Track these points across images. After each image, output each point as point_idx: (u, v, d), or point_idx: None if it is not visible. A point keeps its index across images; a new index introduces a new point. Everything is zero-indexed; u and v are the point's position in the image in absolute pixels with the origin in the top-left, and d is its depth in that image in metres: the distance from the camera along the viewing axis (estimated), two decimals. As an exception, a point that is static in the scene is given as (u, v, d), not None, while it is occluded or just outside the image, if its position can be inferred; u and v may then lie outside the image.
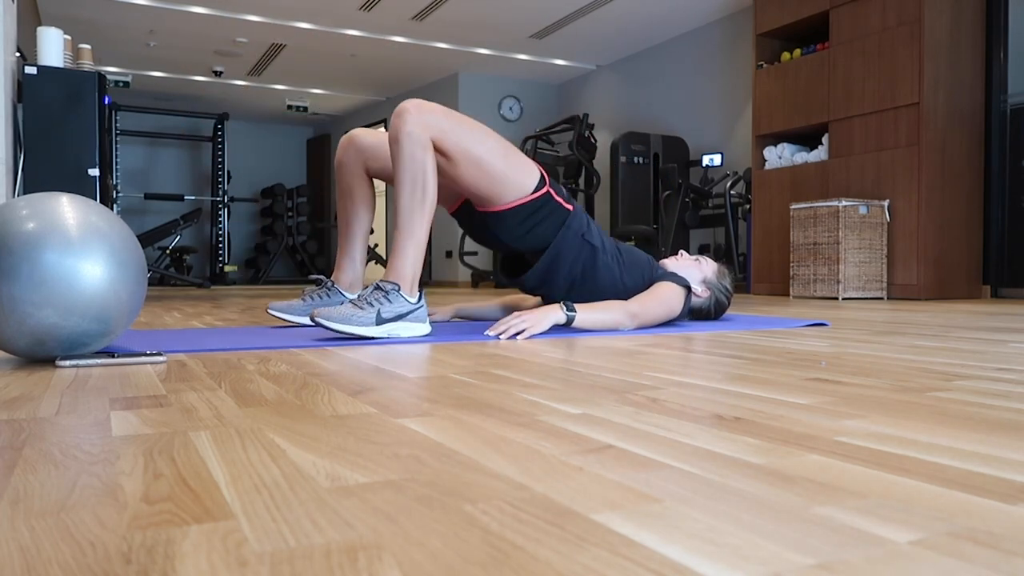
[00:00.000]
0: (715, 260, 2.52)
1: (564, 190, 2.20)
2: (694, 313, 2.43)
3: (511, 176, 2.04)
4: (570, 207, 2.16)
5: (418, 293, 1.91)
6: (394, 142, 1.93)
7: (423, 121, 1.92)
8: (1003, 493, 0.57)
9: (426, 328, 1.92)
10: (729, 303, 2.48)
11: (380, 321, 1.82)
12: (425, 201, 1.91)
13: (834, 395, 1.02)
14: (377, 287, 1.87)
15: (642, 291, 2.22)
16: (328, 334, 1.94)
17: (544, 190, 2.10)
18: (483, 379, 1.18)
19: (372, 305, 1.82)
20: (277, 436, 0.77)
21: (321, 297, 2.31)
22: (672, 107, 7.59)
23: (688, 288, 2.25)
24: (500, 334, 1.91)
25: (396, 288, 1.86)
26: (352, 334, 1.80)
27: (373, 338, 1.82)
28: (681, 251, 2.50)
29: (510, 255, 2.37)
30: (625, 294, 2.21)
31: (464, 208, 2.22)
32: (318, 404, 0.96)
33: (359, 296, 1.87)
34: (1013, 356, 1.50)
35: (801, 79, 5.44)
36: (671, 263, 2.43)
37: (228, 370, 1.31)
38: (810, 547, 0.45)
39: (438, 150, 1.96)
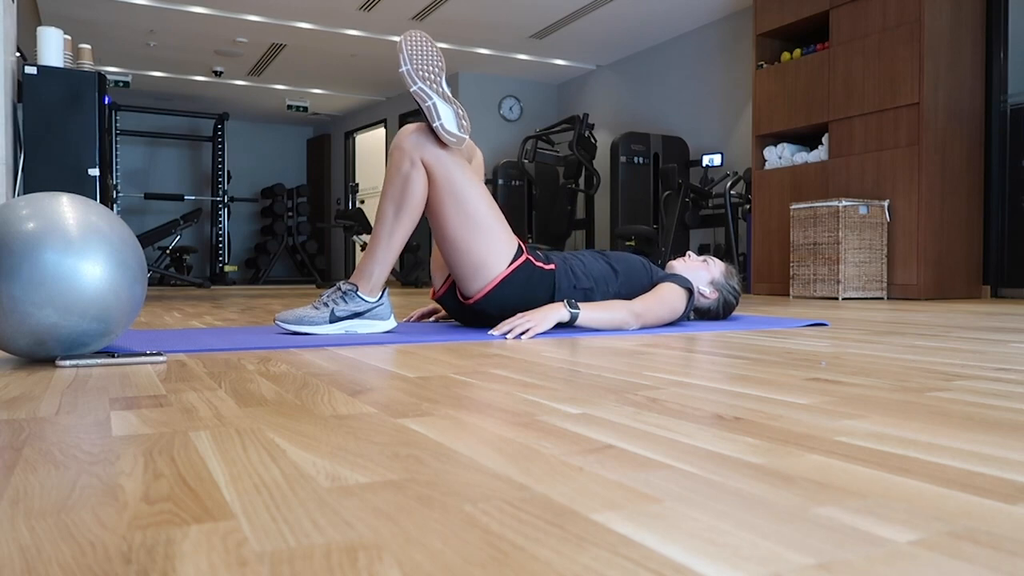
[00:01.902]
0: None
1: (539, 252, 2.19)
2: (702, 314, 2.44)
3: (490, 233, 2.03)
4: (552, 266, 2.15)
5: (379, 293, 2.01)
6: (388, 156, 2.05)
7: (420, 141, 2.00)
8: (1003, 493, 0.57)
9: (388, 325, 2.03)
10: (737, 303, 2.49)
11: (334, 319, 1.94)
12: (402, 213, 2.00)
13: (834, 395, 1.02)
14: (337, 288, 1.99)
15: (647, 292, 2.23)
16: (327, 334, 1.95)
17: (523, 259, 2.10)
18: (483, 379, 1.18)
19: (327, 305, 1.95)
20: (277, 436, 0.77)
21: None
22: (672, 107, 7.59)
23: (690, 290, 2.26)
24: (505, 333, 1.93)
25: (354, 289, 1.98)
26: (307, 333, 1.91)
27: (331, 335, 1.91)
28: (689, 252, 2.51)
29: None
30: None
31: (451, 294, 2.22)
32: (318, 404, 0.96)
33: (319, 298, 2.01)
34: (1013, 356, 1.50)
35: (801, 79, 5.44)
36: (679, 265, 2.44)
37: (228, 370, 1.31)
38: (810, 547, 0.45)
39: (429, 175, 2.00)
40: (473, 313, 2.17)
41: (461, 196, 2.01)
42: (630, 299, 2.22)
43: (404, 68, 1.95)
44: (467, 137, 2.02)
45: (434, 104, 1.96)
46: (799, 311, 3.27)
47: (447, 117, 1.97)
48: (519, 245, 2.12)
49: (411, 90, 1.96)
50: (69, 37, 3.83)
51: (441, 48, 7.97)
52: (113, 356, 1.39)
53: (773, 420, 0.85)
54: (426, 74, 1.97)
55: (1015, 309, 3.42)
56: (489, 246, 2.04)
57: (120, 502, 0.55)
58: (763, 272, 5.73)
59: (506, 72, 8.92)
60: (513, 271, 2.07)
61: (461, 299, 2.16)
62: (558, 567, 0.42)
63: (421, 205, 2.02)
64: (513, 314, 2.09)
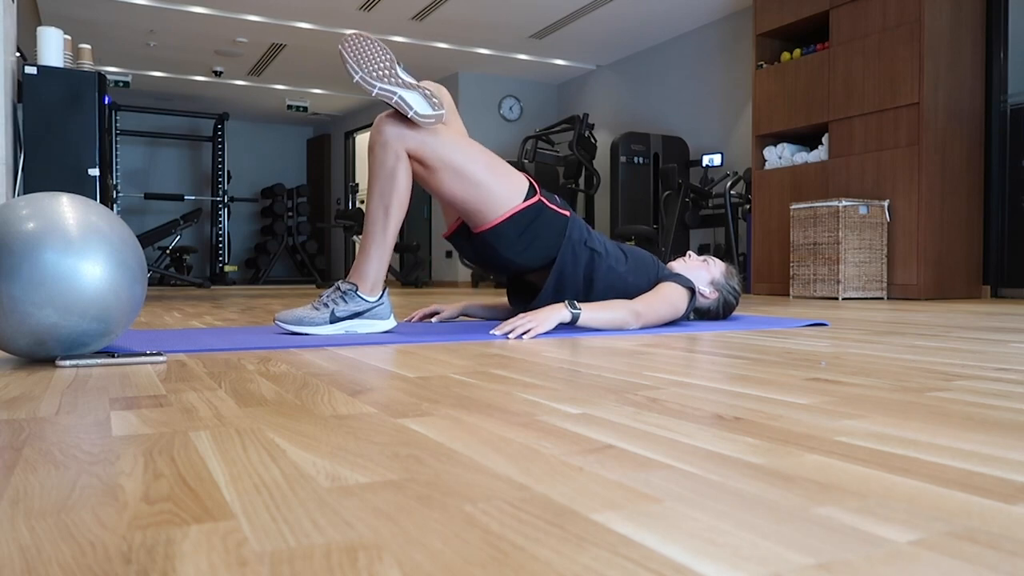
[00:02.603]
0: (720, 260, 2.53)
1: (557, 198, 2.20)
2: (702, 314, 2.44)
3: (496, 185, 2.04)
4: (566, 213, 2.16)
5: (379, 293, 2.01)
6: (369, 151, 2.03)
7: (398, 132, 1.99)
8: (1003, 493, 0.57)
9: (387, 324, 2.03)
10: (737, 303, 2.49)
11: (334, 319, 1.94)
12: (392, 208, 2.00)
13: (834, 395, 1.02)
14: (336, 288, 1.98)
15: (648, 291, 2.22)
16: (325, 334, 1.95)
17: (535, 199, 2.10)
18: (483, 379, 1.18)
19: (327, 306, 1.95)
20: (277, 436, 0.77)
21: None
22: (672, 107, 7.59)
23: (692, 290, 2.26)
24: (507, 333, 1.93)
25: (353, 288, 1.97)
26: (307, 334, 1.90)
27: (331, 335, 1.90)
28: (689, 252, 2.51)
29: (516, 276, 2.36)
30: (632, 294, 2.21)
31: (461, 233, 2.22)
32: (318, 404, 0.96)
33: (319, 298, 2.00)
34: (1013, 356, 1.50)
35: (801, 79, 5.44)
36: (679, 265, 2.44)
37: (228, 370, 1.31)
38: (810, 547, 0.45)
39: (418, 160, 2.01)
40: (480, 246, 2.14)
41: (456, 167, 2.01)
42: (637, 285, 2.22)
43: (357, 77, 1.93)
44: (443, 111, 2.00)
45: (400, 97, 1.94)
46: (799, 311, 3.27)
47: (417, 103, 1.96)
48: (531, 184, 2.12)
49: (373, 94, 1.94)
50: (69, 37, 3.83)
51: (441, 48, 7.99)
52: (113, 356, 1.39)
53: (773, 420, 0.85)
54: (379, 72, 1.95)
55: (1015, 309, 3.42)
56: (496, 194, 2.04)
57: (120, 502, 0.55)
58: (763, 272, 5.73)
59: (506, 72, 8.92)
60: (525, 208, 2.07)
61: (471, 231, 2.15)
62: (558, 567, 0.42)
63: (408, 196, 2.02)
64: (521, 248, 2.10)
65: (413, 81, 1.98)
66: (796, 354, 1.53)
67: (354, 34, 1.97)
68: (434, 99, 1.98)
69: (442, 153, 2.00)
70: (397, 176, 1.98)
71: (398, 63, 2.00)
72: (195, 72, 9.04)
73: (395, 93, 1.94)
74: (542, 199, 2.12)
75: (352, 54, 1.93)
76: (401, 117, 2.00)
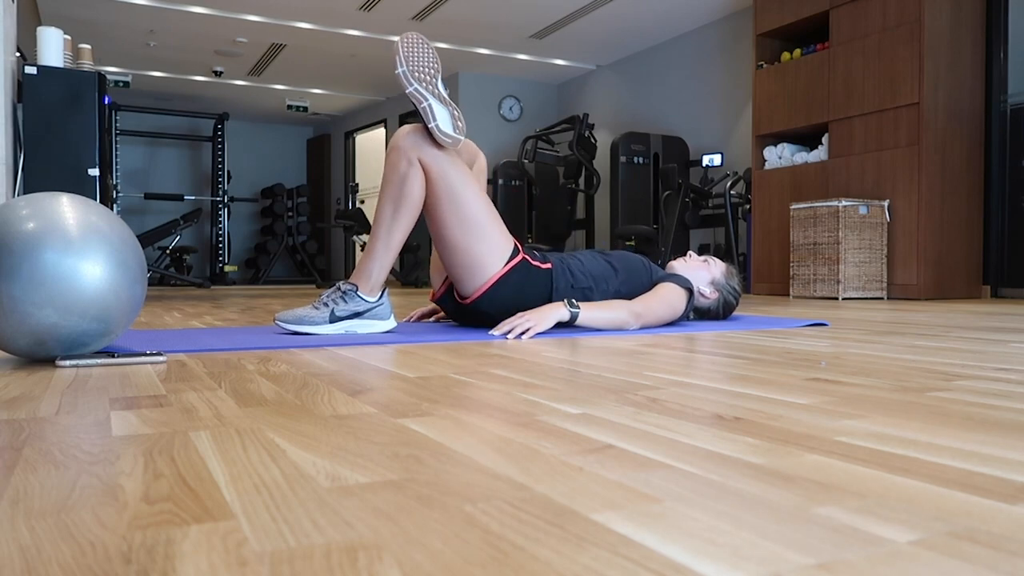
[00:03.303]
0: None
1: (536, 252, 2.21)
2: (702, 314, 2.44)
3: (487, 231, 2.05)
4: (548, 265, 2.16)
5: (379, 293, 2.01)
6: (386, 156, 2.06)
7: (415, 140, 2.01)
8: (1003, 493, 0.57)
9: (387, 325, 2.04)
10: (737, 303, 2.49)
11: (334, 319, 1.94)
12: (400, 212, 2.01)
13: (834, 395, 1.02)
14: (336, 288, 1.99)
15: (646, 292, 2.23)
16: (328, 334, 1.95)
17: (520, 258, 2.11)
18: (483, 379, 1.18)
19: (327, 305, 1.96)
20: (277, 436, 0.77)
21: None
22: (672, 107, 7.58)
23: (690, 290, 2.26)
24: (506, 333, 1.93)
25: (354, 288, 1.98)
26: (307, 333, 1.91)
27: (331, 335, 1.91)
28: (690, 252, 2.51)
29: None
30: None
31: (451, 295, 2.22)
32: (318, 404, 0.96)
33: (319, 298, 2.02)
34: (1013, 356, 1.50)
35: (801, 79, 5.44)
36: (679, 265, 2.44)
37: (228, 370, 1.31)
38: (810, 547, 0.45)
39: (426, 173, 2.02)
40: (471, 313, 2.17)
41: (457, 196, 2.02)
42: (630, 298, 2.22)
43: (400, 69, 1.97)
44: (462, 138, 2.04)
45: (429, 105, 1.97)
46: (799, 311, 3.27)
47: (442, 118, 1.98)
48: (515, 245, 2.14)
49: (407, 91, 1.98)
50: (69, 37, 3.83)
51: (441, 48, 7.98)
52: (113, 356, 1.39)
53: (773, 420, 0.85)
54: (422, 75, 1.99)
55: (1015, 309, 3.42)
56: (484, 245, 2.05)
57: (120, 502, 0.55)
58: (763, 272, 5.73)
59: (506, 72, 8.92)
60: (509, 270, 2.08)
61: (459, 299, 2.16)
62: (558, 567, 0.42)
63: (419, 204, 2.03)
64: (510, 314, 2.10)
65: (447, 99, 2.02)
66: (796, 354, 1.53)
67: (415, 33, 2.03)
68: (459, 122, 2.01)
69: (449, 177, 2.02)
70: (408, 181, 2.00)
71: (439, 76, 2.03)
72: (195, 72, 9.04)
73: (426, 99, 1.97)
74: (526, 257, 2.13)
75: (405, 48, 1.98)
76: (423, 130, 2.03)
